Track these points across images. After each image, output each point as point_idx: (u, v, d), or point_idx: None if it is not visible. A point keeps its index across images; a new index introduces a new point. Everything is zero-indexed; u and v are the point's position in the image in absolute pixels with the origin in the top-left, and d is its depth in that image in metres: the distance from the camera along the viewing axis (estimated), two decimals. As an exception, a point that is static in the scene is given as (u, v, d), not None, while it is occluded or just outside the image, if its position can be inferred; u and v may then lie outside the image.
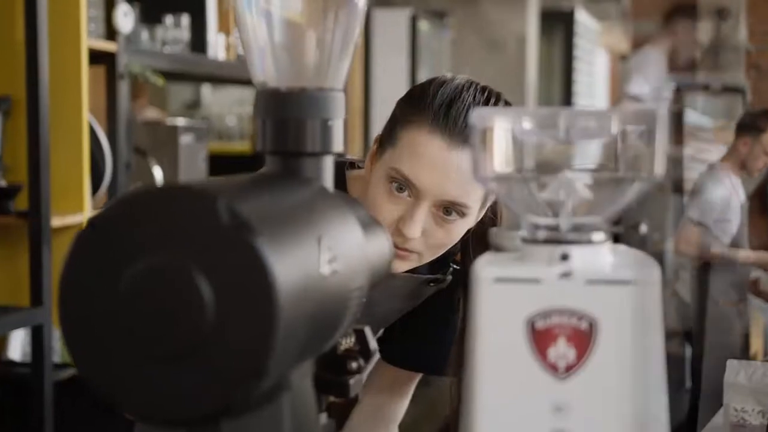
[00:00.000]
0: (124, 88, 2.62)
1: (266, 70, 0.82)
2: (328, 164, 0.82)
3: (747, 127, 4.21)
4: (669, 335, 4.02)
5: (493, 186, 0.71)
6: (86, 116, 2.45)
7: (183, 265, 0.61)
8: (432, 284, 1.39)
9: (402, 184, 1.23)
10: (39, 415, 2.27)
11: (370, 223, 0.86)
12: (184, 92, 5.06)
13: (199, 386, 0.61)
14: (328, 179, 0.82)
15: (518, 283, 0.68)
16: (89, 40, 2.49)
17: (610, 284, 0.67)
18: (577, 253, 0.68)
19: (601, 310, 0.67)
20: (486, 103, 1.26)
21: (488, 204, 1.32)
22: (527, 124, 0.70)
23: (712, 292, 4.19)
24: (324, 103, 0.81)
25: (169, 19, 2.94)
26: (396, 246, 1.24)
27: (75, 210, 2.45)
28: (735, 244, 4.16)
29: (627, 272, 0.67)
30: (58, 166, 2.40)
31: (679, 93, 4.50)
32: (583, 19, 7.39)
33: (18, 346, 2.46)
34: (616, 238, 0.76)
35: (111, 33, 2.61)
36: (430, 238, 1.25)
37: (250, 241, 0.60)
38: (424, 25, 5.20)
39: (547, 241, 0.70)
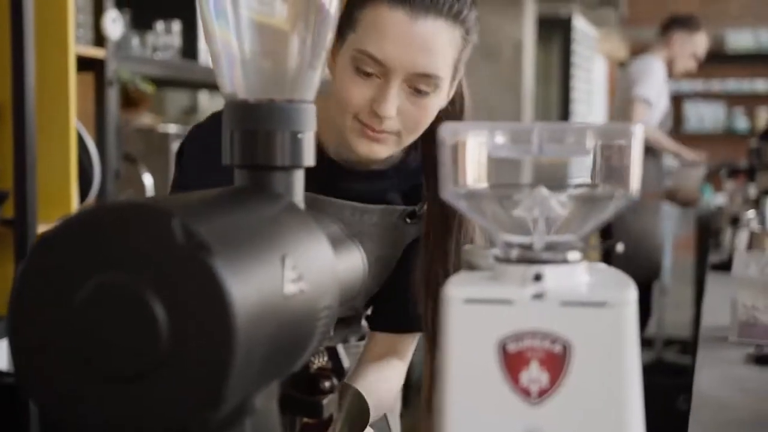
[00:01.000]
0: (113, 95, 2.59)
1: (235, 82, 0.80)
2: (299, 178, 0.80)
3: (677, 25, 4.39)
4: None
5: (464, 202, 0.69)
6: (74, 123, 2.42)
7: (136, 285, 0.58)
8: (409, 220, 1.38)
9: (369, 64, 1.21)
10: (26, 425, 2.24)
11: (341, 239, 0.83)
12: (180, 98, 5.04)
13: (152, 411, 0.58)
14: (299, 193, 0.79)
15: (489, 304, 0.65)
16: (77, 46, 2.46)
17: (585, 306, 0.64)
18: (551, 273, 0.66)
19: (575, 333, 0.64)
20: None
21: (458, 77, 1.30)
22: (500, 139, 0.68)
23: (642, 181, 4.31)
24: (294, 115, 0.78)
25: (160, 25, 2.92)
26: (372, 129, 1.23)
27: (62, 218, 2.42)
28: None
29: (602, 294, 0.65)
30: (45, 173, 2.38)
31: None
32: (581, 25, 7.38)
33: (4, 355, 2.43)
34: (607, 254, 0.73)
35: (100, 39, 2.58)
36: (406, 117, 1.23)
37: (206, 261, 0.57)
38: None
39: (521, 261, 0.67)
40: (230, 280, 0.58)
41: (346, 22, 1.24)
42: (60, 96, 2.40)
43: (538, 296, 0.65)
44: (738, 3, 9.88)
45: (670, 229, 5.99)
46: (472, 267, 0.73)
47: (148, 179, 2.83)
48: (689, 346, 4.96)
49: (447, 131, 0.68)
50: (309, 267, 0.69)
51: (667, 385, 4.03)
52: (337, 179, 1.35)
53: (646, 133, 4.50)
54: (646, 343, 5.34)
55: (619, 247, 0.67)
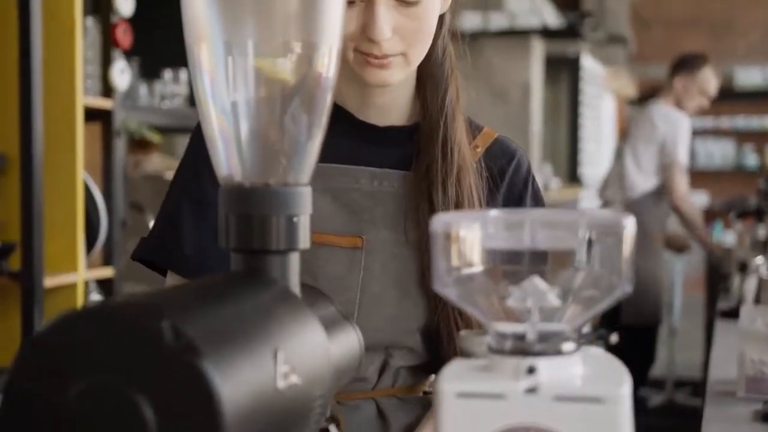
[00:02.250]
0: (120, 145, 2.61)
1: (230, 164, 0.80)
2: (294, 261, 0.79)
3: (680, 67, 4.40)
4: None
5: (455, 291, 0.68)
6: (81, 174, 2.43)
7: (126, 387, 0.58)
8: None
9: None
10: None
11: (336, 321, 0.83)
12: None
13: None
14: (294, 277, 0.79)
15: (482, 398, 0.65)
16: (85, 97, 2.48)
17: (579, 401, 0.64)
18: (544, 365, 0.65)
19: (569, 428, 0.64)
20: None
21: None
22: (492, 229, 0.68)
23: (647, 228, 4.28)
24: (289, 199, 0.78)
25: (167, 74, 2.94)
26: (374, 56, 1.15)
27: (69, 269, 2.43)
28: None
29: (597, 388, 0.64)
30: (52, 224, 2.38)
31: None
32: (588, 64, 7.40)
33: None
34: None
35: (108, 90, 2.60)
36: (404, 32, 1.15)
37: (195, 363, 0.57)
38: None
39: (514, 352, 0.67)
40: (219, 382, 0.57)
41: None
42: (67, 147, 2.41)
43: (532, 390, 0.64)
44: (746, 40, 9.91)
45: (680, 269, 5.97)
46: (467, 354, 0.73)
47: (154, 227, 2.83)
48: (700, 388, 4.92)
49: (439, 223, 0.68)
50: (302, 358, 0.69)
51: (679, 428, 4.00)
52: (359, 142, 1.26)
53: (686, 212, 4.45)
54: (656, 384, 5.30)
55: (613, 338, 0.66)
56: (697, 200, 9.98)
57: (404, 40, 1.15)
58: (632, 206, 4.45)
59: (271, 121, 0.80)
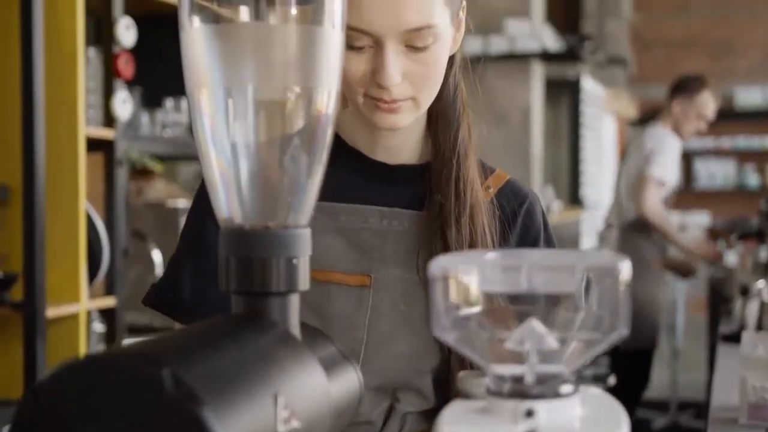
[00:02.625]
0: (122, 175, 2.62)
1: (230, 207, 0.81)
2: (294, 303, 0.80)
3: (679, 89, 4.40)
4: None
5: (454, 335, 0.69)
6: (83, 205, 2.44)
7: (128, 436, 0.58)
8: None
9: (356, 38, 1.11)
10: None
11: (336, 361, 0.83)
12: (192, 166, 5.09)
13: None
14: (294, 318, 0.80)
15: (481, 442, 0.65)
16: (87, 128, 2.49)
17: (577, 444, 0.64)
18: (543, 408, 0.66)
19: (567, 472, 0.64)
20: None
21: (461, 13, 1.21)
22: (489, 273, 0.68)
23: (639, 248, 4.27)
24: (289, 241, 0.79)
25: (169, 103, 2.96)
26: (384, 101, 1.14)
27: (71, 300, 2.43)
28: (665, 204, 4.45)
29: (596, 431, 0.65)
30: (54, 255, 2.39)
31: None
32: (589, 86, 7.42)
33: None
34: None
35: (109, 120, 2.61)
36: (414, 78, 1.14)
37: (196, 412, 0.58)
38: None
39: (512, 395, 0.67)
40: (220, 430, 0.58)
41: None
42: (69, 178, 2.42)
43: (530, 434, 0.65)
44: (746, 61, 9.94)
45: (683, 290, 5.97)
46: (465, 395, 0.73)
47: (156, 255, 2.85)
48: (704, 410, 4.91)
49: (437, 266, 0.68)
50: (302, 402, 0.69)
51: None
52: (369, 181, 1.25)
53: (655, 221, 4.45)
54: (660, 406, 5.29)
55: (611, 380, 0.67)
56: (698, 220, 10.00)
57: (413, 85, 1.14)
58: (627, 229, 4.46)
59: (271, 164, 0.80)
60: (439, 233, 1.19)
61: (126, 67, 2.59)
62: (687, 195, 10.15)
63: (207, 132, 0.80)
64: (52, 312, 2.36)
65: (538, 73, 5.56)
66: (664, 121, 4.48)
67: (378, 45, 1.12)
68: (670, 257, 4.65)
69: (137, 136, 2.80)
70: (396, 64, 1.12)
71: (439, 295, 0.69)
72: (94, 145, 2.56)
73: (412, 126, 1.22)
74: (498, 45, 5.20)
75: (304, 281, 0.80)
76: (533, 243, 1.26)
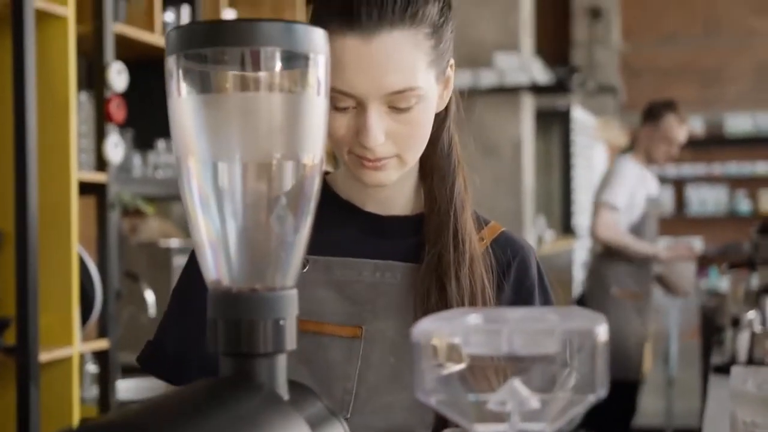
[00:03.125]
0: (114, 218, 2.64)
1: (218, 270, 0.82)
2: (281, 363, 0.82)
3: (646, 116, 4.41)
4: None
5: (437, 397, 0.71)
6: (76, 248, 2.46)
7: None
8: None
9: (340, 99, 1.13)
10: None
11: (323, 418, 0.85)
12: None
13: None
14: (281, 378, 0.81)
15: (464, 504, 0.67)
16: (80, 172, 2.51)
17: (557, 506, 0.66)
18: (525, 468, 0.68)
19: None
20: None
21: (447, 73, 1.21)
22: (471, 337, 0.70)
23: (607, 280, 4.26)
24: (276, 303, 0.81)
25: (161, 144, 2.98)
26: (368, 159, 1.15)
27: (64, 343, 2.44)
28: (635, 234, 4.37)
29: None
30: (47, 299, 2.40)
31: None
32: (579, 115, 7.47)
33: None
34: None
35: (102, 163, 2.64)
36: (397, 137, 1.15)
37: (184, 482, 0.59)
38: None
39: (495, 456, 0.69)
40: (208, 500, 0.60)
41: None
42: (62, 222, 2.44)
43: (512, 495, 0.66)
44: (735, 88, 10.02)
45: (676, 318, 5.98)
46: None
47: (149, 296, 2.86)
48: (700, 439, 4.91)
49: (419, 331, 0.70)
50: (289, 465, 0.71)
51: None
52: (363, 234, 1.26)
53: (609, 239, 4.41)
54: (655, 436, 5.30)
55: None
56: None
57: (397, 144, 1.16)
58: (594, 261, 4.47)
59: (258, 228, 0.82)
60: (437, 286, 1.20)
61: (118, 111, 2.62)
62: (679, 221, 10.19)
63: (195, 197, 0.82)
64: (45, 356, 2.37)
65: (528, 105, 5.60)
66: (636, 149, 4.51)
67: (361, 106, 1.13)
68: (663, 273, 4.64)
69: (130, 177, 2.82)
70: (379, 125, 1.13)
71: (422, 357, 0.70)
72: (86, 188, 2.58)
73: (403, 178, 1.24)
74: (488, 78, 5.24)
75: (291, 341, 0.81)
76: (528, 295, 1.27)
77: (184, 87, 0.80)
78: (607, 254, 4.34)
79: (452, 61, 1.21)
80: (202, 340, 0.99)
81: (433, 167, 1.26)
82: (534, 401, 0.70)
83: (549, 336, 0.70)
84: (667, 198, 10.20)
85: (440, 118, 1.23)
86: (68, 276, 2.44)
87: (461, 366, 0.72)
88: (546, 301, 1.28)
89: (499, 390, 0.71)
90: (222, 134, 0.81)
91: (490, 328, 0.71)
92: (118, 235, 2.75)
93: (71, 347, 2.45)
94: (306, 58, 0.81)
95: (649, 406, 6.58)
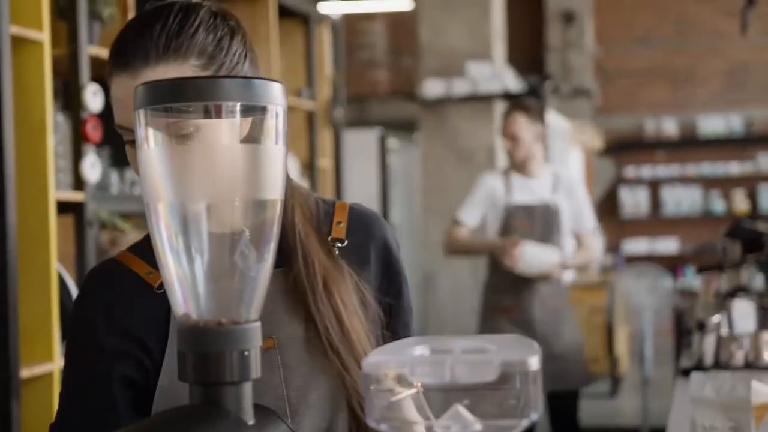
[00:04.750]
0: (92, 236, 2.69)
1: (187, 304, 0.89)
2: (247, 390, 0.88)
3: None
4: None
5: (385, 424, 0.78)
6: (54, 266, 2.51)
7: None
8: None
9: (128, 134, 1.18)
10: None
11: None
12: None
13: None
14: (247, 405, 0.88)
15: None
16: (57, 191, 2.57)
17: None
18: (466, 487, 0.75)
19: None
20: (154, 17, 1.19)
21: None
22: (417, 369, 0.77)
23: (484, 301, 4.07)
24: (241, 335, 0.88)
25: (137, 161, 3.04)
26: None
27: (44, 359, 2.50)
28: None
29: None
30: (27, 317, 2.45)
31: None
32: (554, 120, 7.56)
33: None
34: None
35: (79, 183, 2.69)
36: None
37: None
38: (393, 142, 5.33)
39: (439, 477, 0.76)
40: None
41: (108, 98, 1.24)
42: (41, 241, 2.49)
43: None
44: (707, 89, 10.15)
45: (650, 319, 6.07)
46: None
47: (128, 311, 2.90)
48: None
49: (368, 364, 0.77)
50: (253, 487, 0.77)
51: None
52: None
53: (450, 247, 4.13)
54: (632, 435, 5.39)
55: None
56: (667, 246, 10.16)
57: None
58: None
59: (223, 266, 0.89)
60: (304, 300, 1.25)
61: (94, 131, 2.67)
62: (655, 222, 10.31)
63: (164, 238, 0.88)
64: (25, 372, 2.42)
65: (500, 112, 5.69)
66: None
67: None
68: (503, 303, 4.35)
69: (107, 195, 2.87)
70: None
71: (370, 390, 0.77)
72: (64, 207, 2.63)
73: None
74: (461, 87, 5.32)
75: (255, 370, 0.88)
76: (395, 274, 1.33)
77: (151, 138, 0.87)
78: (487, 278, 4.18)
79: None
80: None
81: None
82: (477, 425, 0.77)
83: (488, 366, 0.77)
84: (642, 199, 10.33)
85: None
86: (48, 293, 2.49)
87: (408, 393, 0.79)
88: (403, 277, 1.34)
89: (444, 415, 0.78)
90: (187, 180, 0.87)
91: (435, 359, 0.78)
92: (97, 249, 2.80)
93: (52, 363, 2.51)
94: (264, 110, 0.88)
95: (625, 405, 6.68)
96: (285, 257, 1.27)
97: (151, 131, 0.88)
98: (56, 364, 2.52)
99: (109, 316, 1.23)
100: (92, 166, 2.66)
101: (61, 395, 1.26)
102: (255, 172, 0.88)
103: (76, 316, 1.27)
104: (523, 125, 4.00)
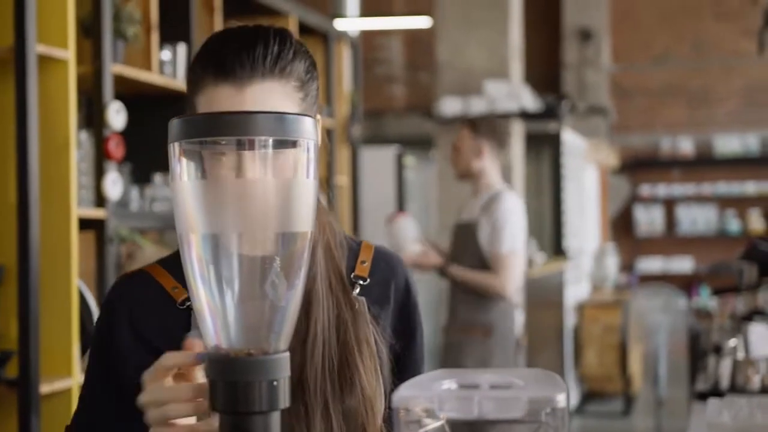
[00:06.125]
0: (112, 252, 2.72)
1: (218, 336, 0.91)
2: (276, 420, 0.90)
3: None
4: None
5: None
6: (75, 283, 2.54)
7: None
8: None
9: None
10: None
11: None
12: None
13: None
14: (275, 434, 0.89)
15: None
16: (80, 208, 2.59)
17: None
18: None
19: None
20: (256, 35, 1.21)
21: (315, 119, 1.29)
22: (445, 404, 0.78)
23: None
24: (270, 366, 0.89)
25: (158, 178, 3.06)
26: None
27: (64, 375, 2.52)
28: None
29: None
30: (47, 332, 2.48)
31: None
32: (569, 138, 7.56)
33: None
34: None
35: (101, 200, 2.71)
36: None
37: None
38: (410, 160, 5.35)
39: None
40: None
41: (190, 110, 1.24)
42: (63, 257, 2.51)
43: None
44: (724, 109, 10.13)
45: (664, 338, 6.05)
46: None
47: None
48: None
49: (398, 398, 0.78)
50: None
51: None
52: None
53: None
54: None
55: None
56: (681, 265, 10.13)
57: None
58: None
59: (253, 298, 0.91)
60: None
61: (116, 149, 2.70)
62: (670, 240, 10.27)
63: (196, 270, 0.90)
64: (45, 388, 2.44)
65: (517, 131, 5.69)
66: None
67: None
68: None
69: (127, 212, 2.90)
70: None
71: (401, 423, 0.79)
72: (85, 224, 2.66)
73: None
74: (478, 106, 5.33)
75: (284, 400, 0.90)
76: (408, 317, 1.34)
77: (185, 171, 0.89)
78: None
79: (319, 117, 1.28)
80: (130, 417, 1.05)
81: None
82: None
83: (516, 402, 0.78)
84: (657, 217, 10.30)
85: None
86: (68, 310, 2.52)
87: (435, 426, 0.80)
88: (418, 323, 1.35)
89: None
90: (220, 213, 0.89)
91: (463, 394, 0.79)
92: (115, 264, 2.82)
93: (71, 378, 2.53)
94: (295, 144, 0.89)
95: (638, 425, 6.66)
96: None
97: (185, 164, 0.89)
98: (75, 379, 2.54)
99: (132, 323, 1.26)
100: (114, 184, 2.69)
101: (81, 397, 1.29)
102: (286, 205, 0.90)
103: (102, 321, 1.29)
104: (464, 138, 4.00)
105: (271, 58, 1.19)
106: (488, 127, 4.05)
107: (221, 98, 1.18)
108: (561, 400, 0.77)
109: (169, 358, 0.96)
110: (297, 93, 1.22)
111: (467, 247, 3.97)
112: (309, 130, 0.90)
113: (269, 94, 1.19)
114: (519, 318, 4.09)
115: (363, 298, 1.28)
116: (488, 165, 4.00)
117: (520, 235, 3.96)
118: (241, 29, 1.22)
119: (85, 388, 1.28)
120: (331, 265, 1.28)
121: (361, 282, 1.30)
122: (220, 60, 1.18)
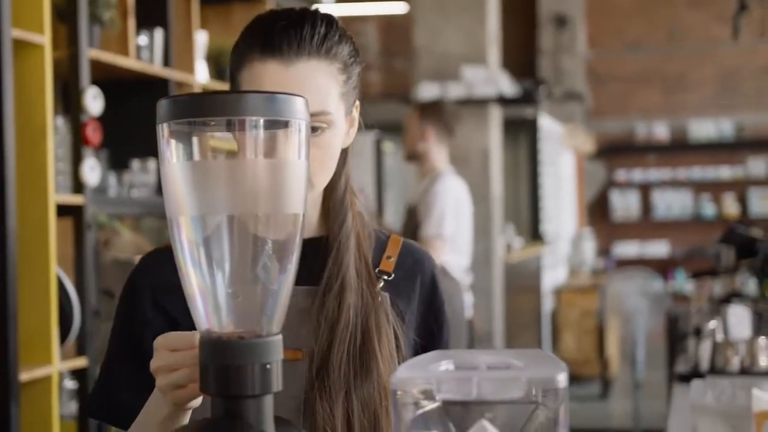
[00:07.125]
0: (90, 238, 2.69)
1: (209, 320, 0.89)
2: (269, 403, 0.89)
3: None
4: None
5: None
6: (54, 269, 2.51)
7: None
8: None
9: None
10: None
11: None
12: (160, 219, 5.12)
13: None
14: (268, 417, 0.88)
15: None
16: (57, 194, 2.56)
17: None
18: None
19: None
20: (303, 16, 1.23)
21: (354, 113, 1.29)
22: (444, 385, 0.78)
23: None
24: (262, 349, 0.88)
25: (136, 164, 3.04)
26: None
27: (43, 362, 2.49)
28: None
29: None
30: (26, 318, 2.45)
31: None
32: (546, 124, 7.58)
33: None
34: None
35: (78, 186, 2.68)
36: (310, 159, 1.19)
37: None
38: (388, 146, 5.34)
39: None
40: None
41: (232, 87, 1.26)
42: (40, 244, 2.49)
43: None
44: (699, 95, 10.18)
45: (642, 325, 6.08)
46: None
47: (126, 314, 2.89)
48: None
49: (396, 380, 0.77)
50: (277, 501, 0.78)
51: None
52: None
53: None
54: (624, 438, 5.40)
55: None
56: (658, 250, 10.20)
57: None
58: None
59: (245, 281, 0.89)
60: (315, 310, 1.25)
61: (94, 134, 2.67)
62: (646, 225, 10.33)
63: (186, 253, 0.89)
64: (25, 375, 2.42)
65: (495, 116, 5.69)
66: None
67: None
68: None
69: (105, 198, 2.87)
70: None
71: (398, 405, 0.78)
72: (63, 210, 2.63)
73: (310, 205, 1.27)
74: (456, 91, 5.32)
75: (277, 383, 0.89)
76: (436, 313, 1.34)
77: (174, 153, 0.87)
78: None
79: (358, 103, 1.30)
80: (152, 384, 1.05)
81: (331, 204, 1.31)
82: (500, 440, 0.78)
83: (515, 382, 0.77)
84: (633, 202, 10.35)
85: (342, 158, 1.29)
86: (47, 297, 2.49)
87: (434, 410, 0.79)
88: (444, 320, 1.35)
89: (470, 430, 0.78)
90: (209, 195, 0.88)
91: (461, 376, 0.78)
92: (94, 250, 2.79)
93: (51, 366, 2.51)
94: (287, 124, 0.88)
95: (616, 407, 6.70)
96: (309, 272, 1.26)
97: (173, 145, 0.88)
98: (55, 366, 2.51)
99: (154, 295, 1.27)
100: (92, 170, 2.66)
101: (102, 366, 1.30)
102: (277, 185, 0.89)
103: (125, 292, 1.30)
104: (412, 120, 4.09)
105: (318, 38, 1.21)
106: (433, 111, 4.12)
107: (267, 74, 1.20)
108: (561, 380, 0.76)
109: (183, 338, 0.97)
110: (340, 75, 1.24)
111: (408, 229, 4.03)
112: (300, 110, 0.89)
113: (314, 73, 1.21)
114: (468, 299, 4.13)
115: (386, 294, 1.28)
116: (433, 149, 4.07)
117: (449, 220, 3.95)
118: (289, 10, 1.24)
119: (108, 358, 1.30)
120: (360, 255, 1.28)
121: (385, 277, 1.30)
122: (268, 37, 1.20)
